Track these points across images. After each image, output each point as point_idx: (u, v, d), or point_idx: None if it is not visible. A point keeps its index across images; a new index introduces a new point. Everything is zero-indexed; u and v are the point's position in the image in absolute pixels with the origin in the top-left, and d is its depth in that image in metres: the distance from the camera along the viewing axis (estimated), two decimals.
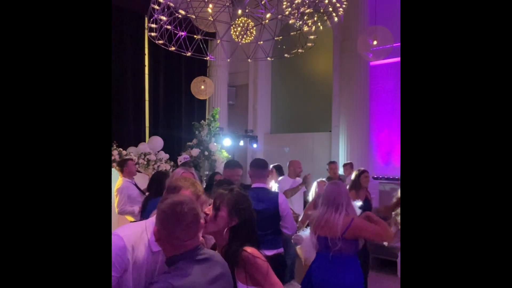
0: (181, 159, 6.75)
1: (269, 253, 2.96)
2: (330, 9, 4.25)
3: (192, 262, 1.41)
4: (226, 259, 1.65)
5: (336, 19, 4.41)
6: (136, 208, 4.71)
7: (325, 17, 4.35)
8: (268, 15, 4.37)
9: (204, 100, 9.11)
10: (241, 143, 8.57)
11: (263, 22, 4.64)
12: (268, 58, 5.40)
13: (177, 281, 1.33)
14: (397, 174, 6.81)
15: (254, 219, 1.88)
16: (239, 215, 1.81)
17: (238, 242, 1.74)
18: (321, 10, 4.26)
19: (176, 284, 1.32)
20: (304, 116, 9.36)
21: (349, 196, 2.97)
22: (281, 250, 3.14)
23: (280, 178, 5.52)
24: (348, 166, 6.58)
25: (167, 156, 7.52)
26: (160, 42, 4.73)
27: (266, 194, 3.19)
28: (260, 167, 3.29)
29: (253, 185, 3.27)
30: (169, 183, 1.83)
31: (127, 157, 5.98)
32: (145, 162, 6.82)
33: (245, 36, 4.82)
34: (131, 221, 4.79)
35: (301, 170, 5.38)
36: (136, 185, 5.12)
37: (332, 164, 6.42)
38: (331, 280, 2.78)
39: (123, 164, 5.12)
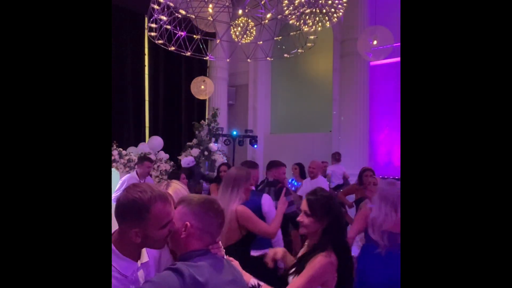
0: (184, 163, 6.31)
1: (256, 253, 2.93)
2: (332, 10, 4.25)
3: (216, 259, 1.42)
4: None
5: (335, 20, 4.41)
6: None
7: (326, 18, 4.34)
8: (268, 15, 4.38)
9: (204, 100, 9.12)
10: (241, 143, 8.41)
11: (262, 22, 4.65)
12: (268, 58, 5.41)
13: (199, 275, 1.30)
14: (397, 174, 6.81)
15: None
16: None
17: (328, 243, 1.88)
18: (324, 11, 4.25)
19: (202, 280, 1.29)
20: (304, 116, 9.36)
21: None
22: (268, 250, 3.09)
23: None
24: (295, 167, 6.01)
25: (167, 156, 7.53)
26: (160, 42, 4.73)
27: (250, 196, 3.07)
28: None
29: None
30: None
31: (146, 155, 5.92)
32: None
33: (245, 36, 4.83)
34: None
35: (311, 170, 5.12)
36: None
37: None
38: (387, 276, 2.77)
39: (139, 162, 5.09)
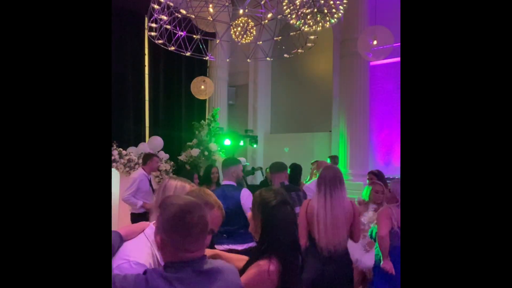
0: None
1: (240, 247, 3.11)
2: (334, 10, 4.24)
3: (195, 273, 1.29)
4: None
5: (334, 20, 4.41)
6: (139, 202, 4.89)
7: (327, 18, 4.34)
8: (269, 15, 4.37)
9: (204, 100, 9.11)
10: (241, 143, 8.48)
11: (262, 22, 4.64)
12: (268, 58, 5.40)
13: (146, 281, 1.23)
14: (397, 174, 6.80)
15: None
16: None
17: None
18: (325, 11, 4.24)
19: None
20: (304, 116, 9.36)
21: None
22: (252, 244, 3.15)
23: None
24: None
25: (167, 156, 7.52)
26: (160, 42, 4.73)
27: (230, 190, 3.28)
28: (226, 165, 3.46)
29: (223, 183, 3.40)
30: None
31: (150, 153, 6.03)
32: None
33: (245, 36, 4.83)
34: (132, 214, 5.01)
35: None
36: (150, 181, 5.21)
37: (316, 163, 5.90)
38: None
39: (147, 158, 5.23)
